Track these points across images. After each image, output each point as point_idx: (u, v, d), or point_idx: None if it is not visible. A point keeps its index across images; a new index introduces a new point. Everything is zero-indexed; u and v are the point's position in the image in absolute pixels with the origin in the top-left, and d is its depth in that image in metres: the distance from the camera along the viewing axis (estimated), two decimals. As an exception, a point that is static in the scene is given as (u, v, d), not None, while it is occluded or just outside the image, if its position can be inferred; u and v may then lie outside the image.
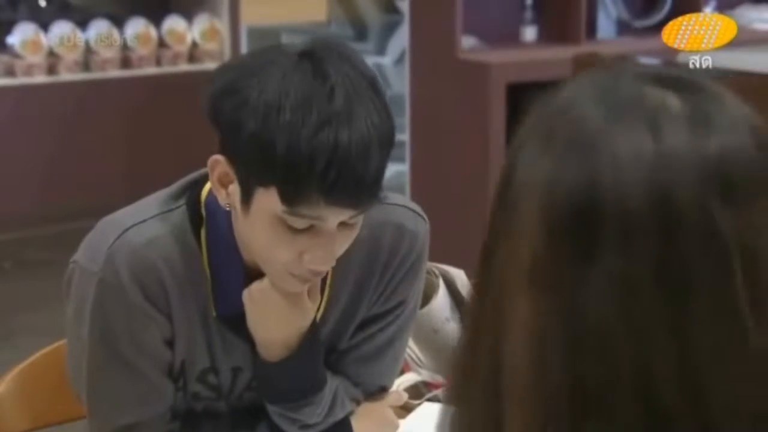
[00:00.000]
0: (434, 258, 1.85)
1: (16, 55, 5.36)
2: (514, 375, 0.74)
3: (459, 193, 4.12)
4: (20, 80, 5.35)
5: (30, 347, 1.76)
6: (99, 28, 5.45)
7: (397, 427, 1.65)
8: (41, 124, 5.35)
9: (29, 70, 5.37)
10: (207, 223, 1.46)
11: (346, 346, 1.59)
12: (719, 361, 0.70)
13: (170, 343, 1.49)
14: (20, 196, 5.16)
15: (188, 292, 1.47)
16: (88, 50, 5.46)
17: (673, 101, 0.73)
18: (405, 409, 1.77)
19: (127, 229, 1.44)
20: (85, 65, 5.48)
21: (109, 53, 5.46)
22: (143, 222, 1.46)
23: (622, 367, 0.70)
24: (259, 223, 1.37)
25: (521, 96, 3.95)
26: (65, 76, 5.43)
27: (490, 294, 0.77)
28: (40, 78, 5.39)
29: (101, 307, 1.45)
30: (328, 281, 1.53)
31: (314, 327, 1.51)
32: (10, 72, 5.35)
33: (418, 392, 1.84)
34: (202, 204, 1.47)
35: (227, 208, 1.42)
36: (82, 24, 5.47)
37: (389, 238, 1.53)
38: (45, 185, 5.22)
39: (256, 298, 1.46)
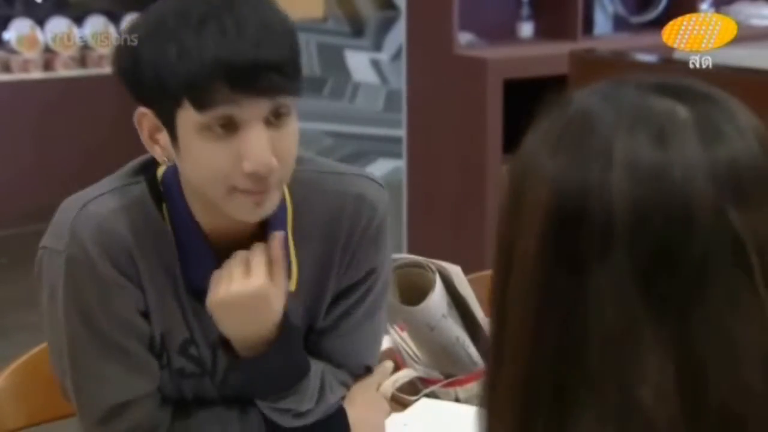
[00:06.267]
0: (431, 254, 1.84)
1: (12, 51, 5.35)
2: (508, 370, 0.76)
3: (456, 189, 4.12)
4: (16, 76, 5.34)
5: (26, 344, 1.76)
6: (95, 24, 5.44)
7: (387, 410, 1.66)
8: (37, 120, 5.34)
9: (25, 66, 5.36)
10: (166, 199, 1.48)
11: (325, 325, 1.59)
12: (730, 358, 0.72)
13: (146, 315, 1.49)
14: (16, 192, 5.15)
15: (157, 262, 1.47)
16: (85, 46, 5.46)
17: (680, 110, 0.75)
18: (402, 405, 1.77)
19: (88, 203, 1.46)
20: (81, 61, 5.48)
21: (106, 49, 5.46)
22: (103, 194, 1.47)
23: (610, 364, 0.72)
24: (191, 147, 1.38)
25: (518, 92, 3.95)
26: (61, 72, 5.42)
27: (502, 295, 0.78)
28: (36, 74, 5.38)
29: (73, 283, 1.45)
30: (292, 254, 1.53)
31: (287, 317, 1.49)
32: (6, 68, 5.35)
33: (414, 388, 1.84)
34: (160, 181, 1.49)
35: (166, 163, 1.44)
36: (79, 20, 5.46)
37: (349, 208, 1.54)
38: (42, 181, 5.21)
39: (220, 307, 1.45)
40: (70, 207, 1.48)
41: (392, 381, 1.81)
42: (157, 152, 1.44)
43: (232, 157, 1.37)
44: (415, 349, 1.88)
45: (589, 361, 0.72)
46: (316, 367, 1.56)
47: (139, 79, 1.39)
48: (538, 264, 0.74)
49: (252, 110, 1.36)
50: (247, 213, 1.42)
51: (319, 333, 1.60)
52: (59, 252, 1.45)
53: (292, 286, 1.53)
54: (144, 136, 1.44)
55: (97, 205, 1.46)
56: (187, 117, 1.37)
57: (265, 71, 1.34)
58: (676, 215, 0.72)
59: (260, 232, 1.50)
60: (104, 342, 1.47)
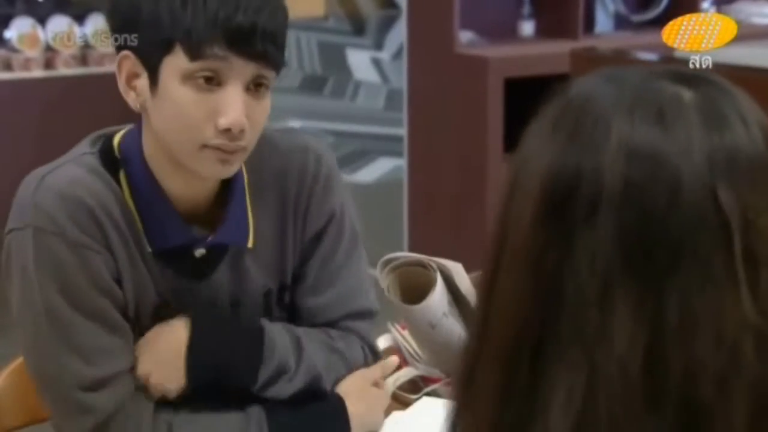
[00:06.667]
0: (432, 252, 1.84)
1: (14, 50, 5.35)
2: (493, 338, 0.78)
3: (457, 188, 4.12)
4: (17, 75, 5.34)
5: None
6: (96, 23, 5.44)
7: (387, 399, 1.67)
8: (39, 119, 5.35)
9: (26, 65, 5.36)
10: (124, 165, 1.51)
11: (306, 284, 1.63)
12: (702, 333, 0.72)
13: (118, 283, 1.49)
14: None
15: (122, 227, 1.49)
16: (86, 45, 5.46)
17: (685, 93, 0.76)
18: (403, 404, 1.77)
19: (46, 175, 1.48)
20: (83, 60, 5.48)
21: (107, 48, 5.46)
22: (59, 167, 1.50)
23: (588, 332, 0.73)
24: (170, 93, 1.43)
25: (519, 91, 3.95)
26: (62, 70, 5.43)
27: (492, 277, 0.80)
28: (38, 72, 5.38)
29: (46, 255, 1.45)
30: (249, 212, 1.57)
31: (192, 329, 1.52)
32: (8, 66, 5.35)
33: (416, 387, 1.84)
34: (116, 149, 1.53)
35: (137, 109, 1.48)
36: (80, 19, 5.47)
37: (296, 161, 1.61)
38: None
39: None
40: (28, 184, 1.49)
41: (393, 379, 1.81)
42: (131, 97, 1.48)
43: (207, 112, 1.42)
44: (416, 347, 1.88)
45: (563, 324, 0.73)
46: (272, 326, 1.58)
47: (134, 18, 1.43)
48: (530, 234, 0.76)
49: (239, 71, 1.42)
50: (213, 170, 1.47)
51: (303, 293, 1.63)
52: (25, 228, 1.46)
53: (250, 243, 1.57)
54: (121, 81, 1.48)
55: (56, 175, 1.48)
56: (175, 63, 1.42)
57: (262, 37, 1.41)
58: (664, 187, 0.72)
59: (221, 193, 1.55)
60: (86, 310, 1.46)
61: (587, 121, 0.75)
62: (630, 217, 0.73)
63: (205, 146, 1.43)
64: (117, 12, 1.47)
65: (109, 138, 1.55)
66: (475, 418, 0.79)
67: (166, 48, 1.42)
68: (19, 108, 5.34)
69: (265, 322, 1.58)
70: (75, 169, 1.49)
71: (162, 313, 1.54)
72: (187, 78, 1.42)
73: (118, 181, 1.50)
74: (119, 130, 1.56)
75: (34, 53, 5.38)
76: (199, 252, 1.54)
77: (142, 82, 1.46)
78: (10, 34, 5.35)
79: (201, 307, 1.55)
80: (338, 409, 1.60)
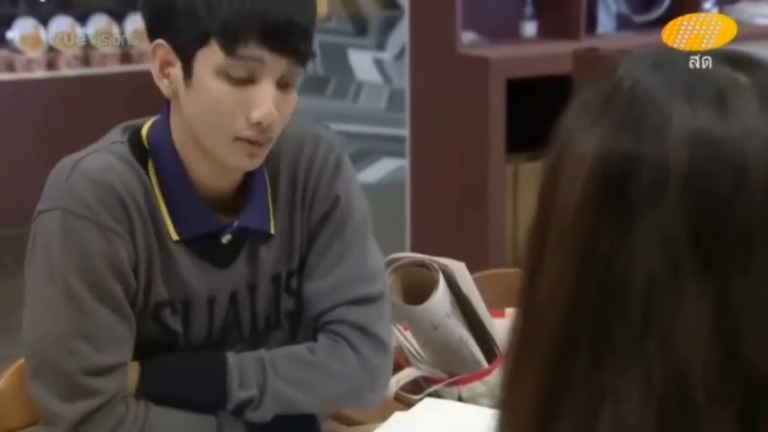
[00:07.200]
0: (434, 252, 1.85)
1: (16, 50, 5.36)
2: (540, 329, 0.76)
3: (459, 188, 4.12)
4: (20, 75, 5.35)
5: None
6: (98, 23, 5.45)
7: None
8: (41, 119, 5.35)
9: (29, 65, 5.37)
10: (153, 154, 1.54)
11: (310, 267, 1.62)
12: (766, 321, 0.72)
13: (134, 273, 1.51)
14: (20, 191, 5.15)
15: (146, 217, 1.51)
16: (88, 45, 5.47)
17: (739, 76, 0.76)
18: (405, 404, 1.77)
19: (79, 161, 1.51)
20: (85, 60, 5.48)
21: (109, 49, 5.47)
22: (91, 153, 1.53)
23: (651, 317, 0.72)
24: (205, 84, 1.45)
25: (521, 91, 3.95)
26: (65, 71, 5.43)
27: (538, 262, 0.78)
28: (40, 73, 5.39)
29: (73, 238, 1.47)
30: (269, 200, 1.60)
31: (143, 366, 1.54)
32: (10, 67, 5.36)
33: (418, 387, 1.85)
34: (145, 139, 1.55)
35: (169, 96, 1.51)
36: (82, 19, 5.47)
37: (308, 147, 1.63)
38: (45, 180, 5.21)
39: None
40: (61, 169, 1.51)
41: (396, 380, 1.81)
42: (164, 85, 1.51)
43: (239, 105, 1.45)
44: (418, 348, 1.88)
45: (631, 306, 0.72)
46: (236, 359, 1.57)
47: (171, 11, 1.45)
48: (579, 217, 0.75)
49: (272, 67, 1.44)
50: (241, 162, 1.50)
51: (305, 278, 1.63)
52: (54, 210, 1.48)
53: (272, 229, 1.60)
54: (155, 68, 1.50)
55: (89, 161, 1.51)
56: (210, 56, 1.44)
57: (296, 33, 1.43)
58: (729, 173, 0.72)
59: (242, 182, 1.58)
60: (104, 295, 1.48)
61: (641, 108, 0.75)
62: (696, 202, 0.72)
63: (236, 138, 1.47)
64: (152, 2, 1.49)
65: (137, 129, 1.57)
66: (518, 411, 0.78)
67: (202, 41, 1.44)
68: (21, 108, 5.35)
69: (231, 357, 1.57)
70: (107, 157, 1.51)
71: (160, 314, 1.55)
72: (221, 72, 1.44)
73: (146, 172, 1.53)
74: (146, 122, 1.59)
75: (36, 54, 5.39)
76: (226, 238, 1.56)
77: (176, 71, 1.48)
78: (12, 34, 5.36)
79: (157, 352, 1.56)
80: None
